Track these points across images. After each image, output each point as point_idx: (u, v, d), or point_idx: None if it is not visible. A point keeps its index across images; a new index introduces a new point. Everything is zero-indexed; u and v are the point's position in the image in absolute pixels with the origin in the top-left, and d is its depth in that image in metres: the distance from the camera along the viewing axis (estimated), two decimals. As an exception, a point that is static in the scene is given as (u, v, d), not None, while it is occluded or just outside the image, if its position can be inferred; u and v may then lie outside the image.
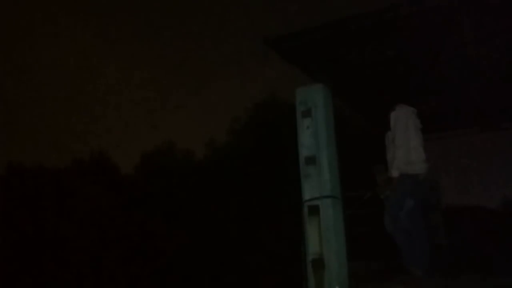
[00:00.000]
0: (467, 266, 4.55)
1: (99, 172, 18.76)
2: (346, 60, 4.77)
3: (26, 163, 18.12)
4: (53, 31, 42.09)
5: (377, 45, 4.44)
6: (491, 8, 3.78)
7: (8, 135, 30.82)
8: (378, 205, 4.36)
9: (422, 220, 4.15)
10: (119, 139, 33.57)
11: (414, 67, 4.79)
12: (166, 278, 15.45)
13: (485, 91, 5.64)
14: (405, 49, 4.47)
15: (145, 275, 15.39)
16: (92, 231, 15.59)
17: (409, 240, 4.04)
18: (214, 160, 19.23)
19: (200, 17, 42.81)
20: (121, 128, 33.88)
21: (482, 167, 6.96)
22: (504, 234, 5.46)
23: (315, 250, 3.93)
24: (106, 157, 20.35)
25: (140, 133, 33.40)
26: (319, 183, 4.03)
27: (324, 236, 3.91)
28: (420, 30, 4.10)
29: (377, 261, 4.88)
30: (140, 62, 39.08)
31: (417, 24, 4.00)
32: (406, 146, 4.13)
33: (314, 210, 3.99)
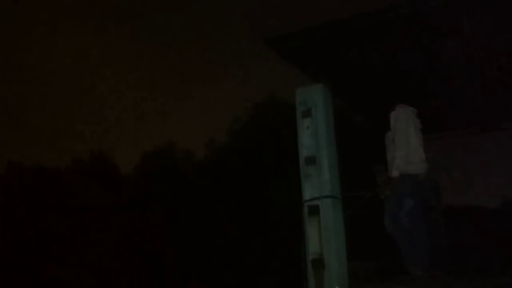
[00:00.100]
0: (467, 266, 4.56)
1: (99, 172, 18.76)
2: (346, 60, 4.77)
3: (26, 163, 18.14)
4: (53, 31, 42.10)
5: (377, 45, 4.44)
6: (491, 8, 3.78)
7: (8, 135, 30.82)
8: (378, 205, 4.36)
9: (422, 220, 4.14)
10: (119, 139, 33.56)
11: (414, 67, 4.78)
12: (166, 278, 15.45)
13: (485, 91, 5.64)
14: (405, 49, 4.47)
15: (145, 275, 15.40)
16: (92, 231, 15.59)
17: (409, 240, 4.04)
18: (214, 160, 19.23)
19: (200, 17, 42.83)
20: (121, 128, 33.86)
21: (482, 167, 6.96)
22: (504, 234, 5.46)
23: (315, 250, 3.93)
24: (106, 157, 20.36)
25: (140, 133, 33.40)
26: (319, 183, 4.03)
27: (324, 236, 3.91)
28: (420, 30, 4.10)
29: (377, 261, 4.88)
30: (140, 62, 39.10)
31: (417, 24, 4.00)
32: (406, 146, 4.13)
33: (314, 210, 3.99)
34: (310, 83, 4.40)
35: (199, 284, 15.01)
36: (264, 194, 15.92)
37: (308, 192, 4.07)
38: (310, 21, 4.35)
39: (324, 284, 3.82)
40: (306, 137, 4.16)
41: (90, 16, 40.77)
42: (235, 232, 15.83)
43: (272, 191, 15.49)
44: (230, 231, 15.90)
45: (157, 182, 18.72)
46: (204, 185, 17.67)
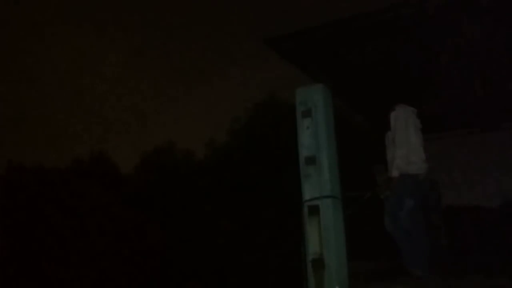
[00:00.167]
0: (467, 266, 4.56)
1: (99, 172, 18.76)
2: (346, 60, 4.77)
3: (26, 163, 18.12)
4: (53, 31, 42.11)
5: (377, 45, 4.44)
6: (491, 8, 3.78)
7: (8, 135, 30.83)
8: (378, 205, 4.36)
9: (422, 220, 4.15)
10: (119, 139, 33.57)
11: (414, 67, 4.79)
12: (166, 278, 15.45)
13: (485, 91, 5.64)
14: (405, 49, 4.47)
15: (145, 275, 15.40)
16: (92, 231, 15.59)
17: (409, 240, 4.04)
18: (214, 160, 19.23)
19: (200, 17, 42.83)
20: (121, 128, 33.89)
21: (482, 167, 6.96)
22: (504, 234, 5.47)
23: (315, 250, 3.94)
24: (106, 157, 20.36)
25: (140, 133, 33.40)
26: (319, 183, 4.03)
27: (324, 236, 3.91)
28: (420, 30, 4.10)
29: (377, 261, 4.88)
30: (139, 62, 39.09)
31: (417, 24, 4.00)
32: (406, 146, 4.13)
33: (314, 210, 3.99)
34: (310, 83, 4.40)
35: (199, 284, 15.01)
36: (264, 194, 15.92)
37: (308, 192, 4.07)
38: (310, 21, 4.35)
39: (324, 284, 3.82)
40: (306, 137, 4.16)
41: (90, 16, 40.77)
42: (235, 232, 15.83)
43: (272, 191, 15.49)
44: (230, 231, 15.90)
45: (157, 182, 18.72)
46: (204, 185, 17.67)
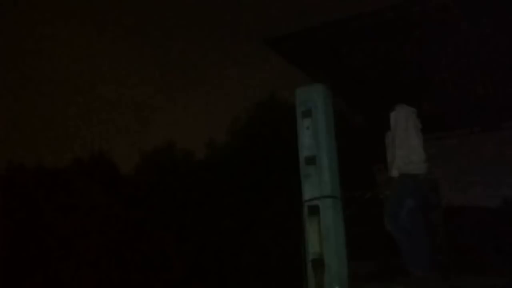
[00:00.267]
0: (467, 266, 4.56)
1: (99, 172, 18.75)
2: (346, 60, 4.78)
3: (26, 163, 18.13)
4: (53, 31, 42.08)
5: (377, 45, 4.44)
6: (491, 8, 3.78)
7: (8, 135, 30.83)
8: (378, 205, 4.36)
9: (422, 220, 4.15)
10: (119, 139, 33.55)
11: (414, 67, 4.79)
12: (165, 277, 15.45)
13: (485, 91, 5.64)
14: (405, 49, 4.47)
15: (145, 275, 15.40)
16: (92, 231, 15.59)
17: (409, 240, 4.04)
18: (214, 160, 19.23)
19: (200, 17, 42.83)
20: (121, 128, 33.84)
21: (482, 167, 6.96)
22: (504, 234, 5.47)
23: (315, 250, 3.94)
24: (106, 157, 20.35)
25: (140, 133, 33.39)
26: (319, 183, 4.03)
27: (324, 236, 3.91)
28: (420, 30, 4.10)
29: (377, 261, 4.88)
30: (139, 62, 39.06)
31: (417, 24, 4.00)
32: (406, 146, 4.13)
33: (314, 210, 3.99)
34: (310, 83, 4.40)
35: (199, 284, 15.01)
36: (264, 194, 15.92)
37: (308, 192, 4.07)
38: (310, 21, 4.35)
39: (324, 284, 3.82)
40: (306, 137, 4.16)
41: (90, 16, 40.75)
42: (235, 232, 15.83)
43: (272, 191, 15.49)
44: (230, 231, 15.90)
45: (157, 182, 18.71)
46: (204, 185, 17.66)
